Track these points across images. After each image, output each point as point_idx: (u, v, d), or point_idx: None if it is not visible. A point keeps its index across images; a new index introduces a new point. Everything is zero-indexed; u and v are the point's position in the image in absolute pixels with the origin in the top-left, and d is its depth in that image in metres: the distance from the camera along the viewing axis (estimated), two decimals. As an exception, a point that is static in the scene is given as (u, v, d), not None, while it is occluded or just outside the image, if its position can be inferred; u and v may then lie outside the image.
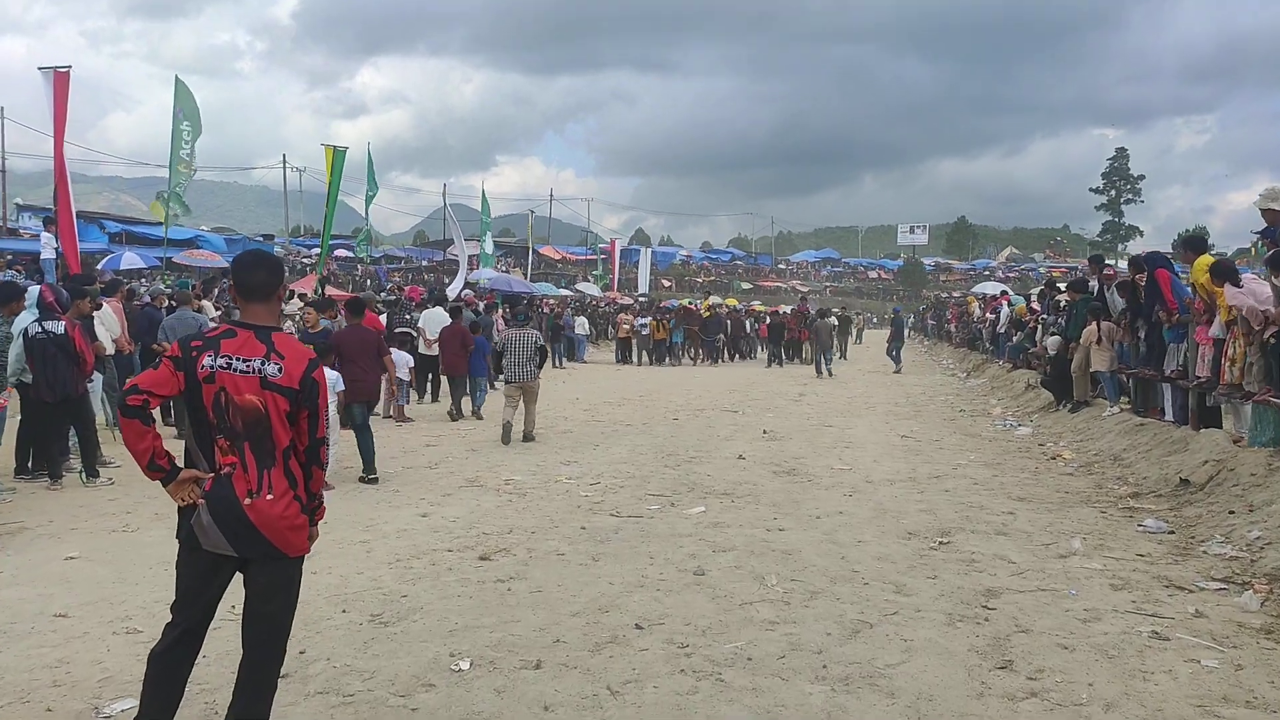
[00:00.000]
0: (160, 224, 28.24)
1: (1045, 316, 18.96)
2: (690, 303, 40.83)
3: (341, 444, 10.35)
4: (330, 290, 26.02)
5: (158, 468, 3.65)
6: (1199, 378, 10.39)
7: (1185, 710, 4.36)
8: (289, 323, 15.65)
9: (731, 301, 49.71)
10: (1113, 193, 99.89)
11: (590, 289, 50.50)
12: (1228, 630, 5.39)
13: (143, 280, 26.67)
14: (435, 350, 16.63)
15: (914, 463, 11.43)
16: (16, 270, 19.87)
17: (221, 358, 3.65)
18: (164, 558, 6.06)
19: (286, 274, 4.69)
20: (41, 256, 18.92)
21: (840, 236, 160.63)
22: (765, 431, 14.20)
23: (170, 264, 28.74)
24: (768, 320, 35.71)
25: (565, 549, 7.14)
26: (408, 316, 18.89)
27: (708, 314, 33.56)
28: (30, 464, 9.40)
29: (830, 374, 26.55)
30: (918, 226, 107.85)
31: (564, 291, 46.16)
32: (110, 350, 11.39)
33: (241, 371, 3.64)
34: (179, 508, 3.70)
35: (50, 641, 5.07)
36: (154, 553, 6.66)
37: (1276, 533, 6.87)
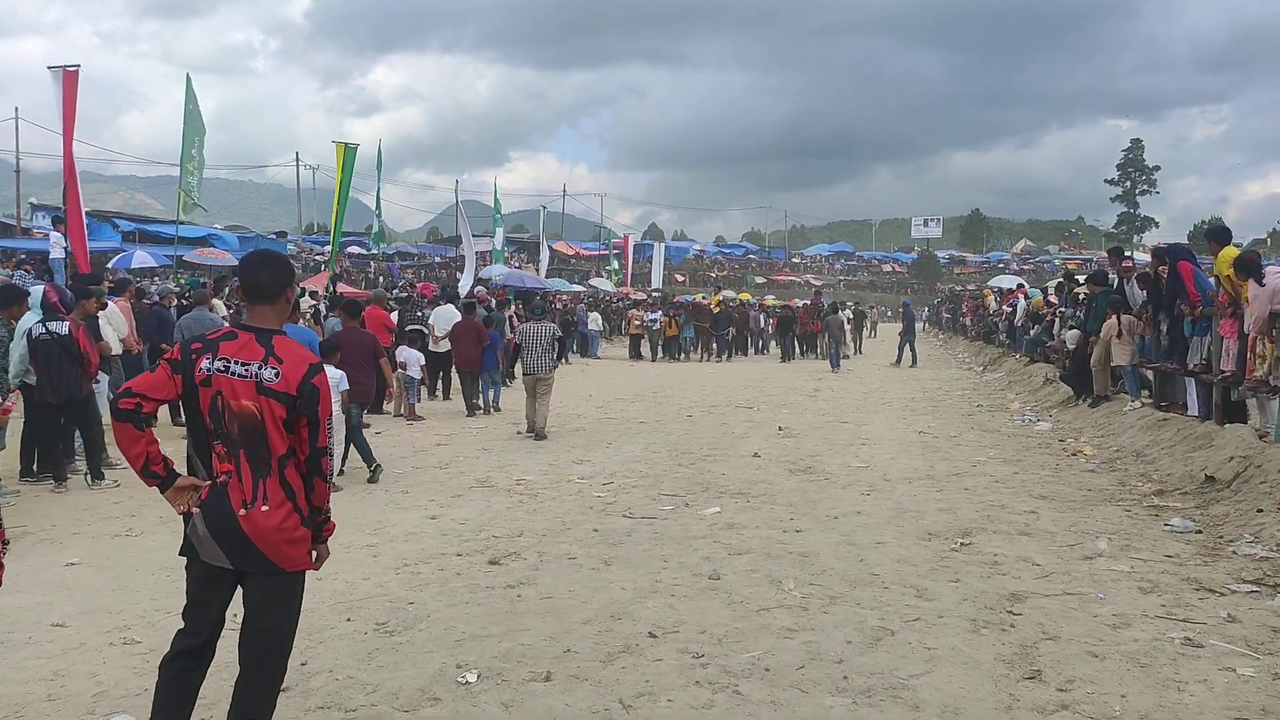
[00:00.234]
0: (173, 222, 28.20)
1: (1063, 309, 18.71)
2: (702, 297, 40.65)
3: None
4: (342, 288, 25.93)
5: (152, 474, 3.50)
6: (1224, 372, 10.16)
7: (1224, 723, 4.17)
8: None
9: (745, 296, 49.50)
10: (1128, 184, 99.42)
11: (604, 284, 50.33)
12: (1262, 636, 5.19)
13: (155, 279, 26.65)
14: (443, 348, 16.53)
15: (932, 460, 11.24)
16: (26, 270, 19.84)
17: (219, 360, 3.49)
18: (166, 563, 5.95)
19: (296, 274, 4.49)
20: (50, 256, 18.86)
21: (854, 230, 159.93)
22: (780, 428, 14.02)
23: (181, 262, 28.69)
24: (779, 314, 35.49)
25: (577, 552, 6.97)
26: (420, 314, 18.75)
27: (717, 309, 33.33)
28: (35, 466, 9.28)
29: (837, 368, 26.36)
30: (931, 219, 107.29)
31: (577, 287, 46.00)
32: (117, 350, 11.29)
33: (239, 376, 3.48)
34: (183, 515, 3.56)
35: (47, 653, 4.93)
36: (156, 558, 6.53)
37: (1310, 533, 6.67)
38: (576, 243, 75.32)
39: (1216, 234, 11.03)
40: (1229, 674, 4.68)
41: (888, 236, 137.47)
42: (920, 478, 10.05)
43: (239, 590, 3.58)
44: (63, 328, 8.89)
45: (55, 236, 18.47)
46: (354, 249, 48.76)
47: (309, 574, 3.68)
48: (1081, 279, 18.36)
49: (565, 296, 37.75)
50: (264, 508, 3.46)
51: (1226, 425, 9.91)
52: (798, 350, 33.05)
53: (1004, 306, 28.91)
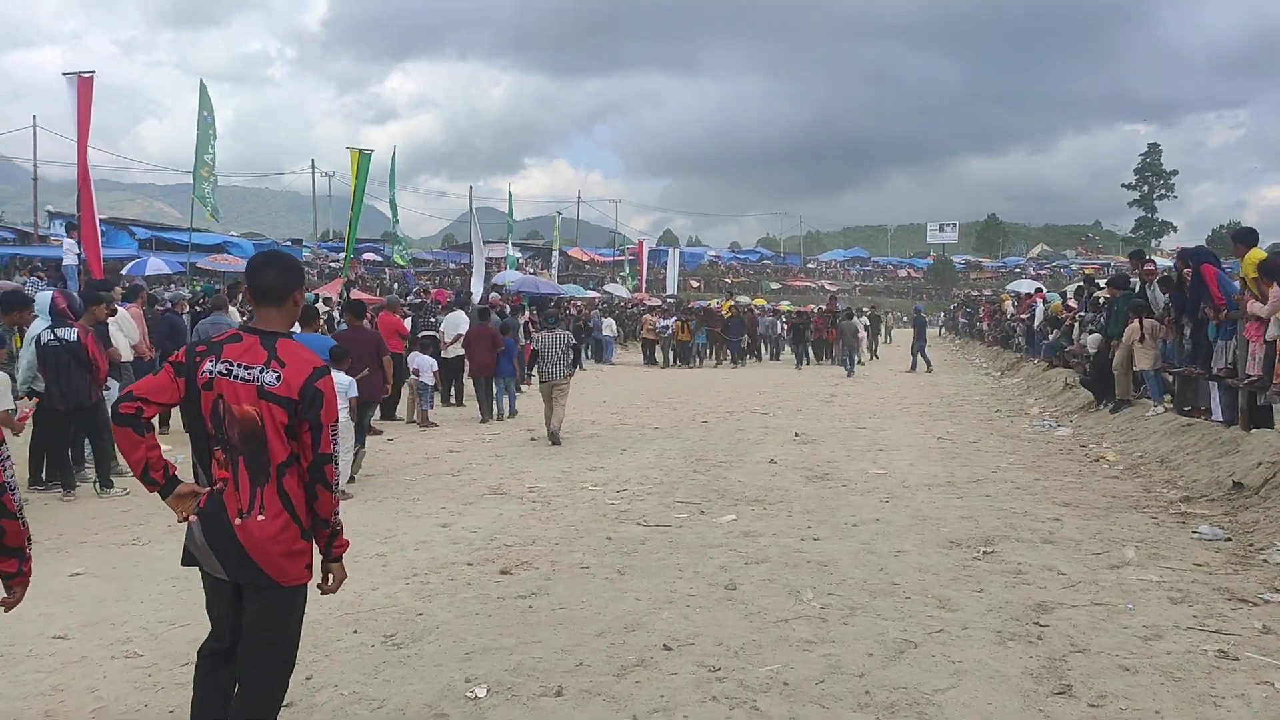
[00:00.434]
0: (189, 230, 28.22)
1: (1083, 314, 18.49)
2: (715, 302, 40.45)
3: (365, 453, 10.12)
4: (356, 294, 25.88)
5: (151, 480, 3.39)
6: (1250, 376, 9.96)
7: (1264, 742, 4.00)
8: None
9: (759, 301, 49.29)
10: (1145, 188, 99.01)
11: (618, 290, 50.21)
12: (1299, 648, 5.01)
13: (172, 286, 26.66)
14: (453, 353, 16.45)
15: (951, 466, 11.05)
16: (39, 276, 19.82)
17: (222, 363, 3.37)
18: (173, 573, 5.83)
19: (305, 275, 4.37)
20: (64, 263, 18.84)
21: (869, 235, 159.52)
22: (797, 434, 13.84)
23: (196, 269, 28.70)
24: (793, 319, 35.28)
25: (590, 561, 6.82)
26: (433, 319, 18.66)
27: (729, 314, 33.12)
28: (44, 474, 9.19)
29: (851, 373, 26.20)
30: (947, 224, 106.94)
31: (591, 293, 45.89)
32: (128, 357, 11.21)
33: (241, 379, 3.35)
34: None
35: (47, 666, 4.81)
36: (163, 568, 6.41)
37: (1345, 541, 6.47)
38: (591, 249, 75.21)
39: (1243, 236, 10.81)
40: (1267, 688, 4.49)
41: (903, 242, 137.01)
42: (940, 484, 9.87)
43: None
44: (71, 334, 8.81)
45: (68, 243, 18.45)
46: (369, 255, 48.77)
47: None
48: (1102, 283, 18.13)
49: (580, 302, 37.62)
50: (260, 517, 3.32)
51: (1253, 430, 9.71)
52: (812, 356, 32.84)
53: (1021, 312, 28.66)
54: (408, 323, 17.18)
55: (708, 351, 32.12)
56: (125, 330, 11.29)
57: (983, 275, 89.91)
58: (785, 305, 49.63)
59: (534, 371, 15.98)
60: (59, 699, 4.42)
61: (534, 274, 45.09)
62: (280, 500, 3.35)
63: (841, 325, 28.28)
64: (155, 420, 11.79)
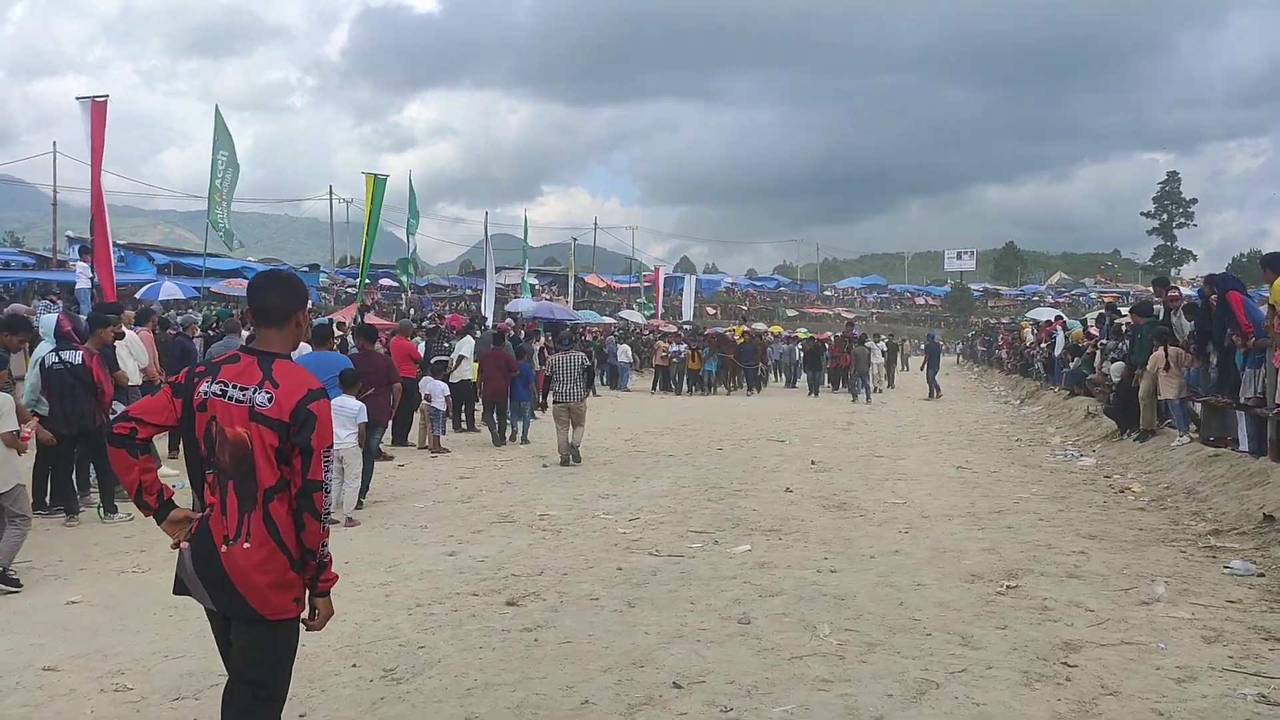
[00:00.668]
0: (204, 255, 28.28)
1: (1105, 341, 18.22)
2: (728, 330, 40.20)
3: (374, 477, 9.96)
4: (370, 319, 25.81)
5: (145, 504, 3.26)
6: (1279, 406, 9.69)
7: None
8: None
9: (776, 329, 49.04)
10: (1164, 217, 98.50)
11: (634, 316, 50.10)
12: (1343, 693, 4.75)
13: (189, 310, 26.67)
14: (457, 377, 16.29)
15: (972, 496, 10.80)
16: (52, 299, 19.80)
17: (217, 384, 3.24)
18: (171, 602, 5.64)
19: (309, 296, 4.23)
20: (77, 286, 18.82)
21: (886, 263, 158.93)
22: (813, 462, 13.61)
23: (211, 294, 28.72)
24: (808, 345, 34.97)
25: (599, 593, 6.62)
26: (446, 344, 18.54)
27: (743, 340, 32.83)
28: (47, 499, 9.05)
29: (868, 401, 25.96)
30: (965, 252, 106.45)
31: (607, 319, 45.76)
32: (136, 380, 11.07)
33: (235, 400, 3.20)
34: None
35: (33, 699, 4.64)
36: (161, 597, 6.17)
37: (1385, 578, 6.21)
38: (608, 275, 75.23)
39: (1272, 261, 10.52)
40: (1310, 736, 4.26)
41: (920, 270, 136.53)
42: (960, 515, 9.62)
43: None
44: (75, 356, 8.69)
45: (81, 267, 18.44)
46: (386, 281, 48.87)
47: None
48: (1125, 310, 17.87)
49: (595, 329, 37.50)
50: (245, 545, 3.16)
51: (1284, 461, 9.44)
52: (828, 383, 32.52)
53: (1041, 340, 28.36)
54: (421, 347, 17.05)
55: (723, 378, 31.80)
56: (134, 353, 11.16)
57: (1001, 303, 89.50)
58: (802, 333, 49.34)
59: (549, 397, 15.93)
60: (42, 735, 4.25)
61: (549, 300, 45.06)
62: (266, 528, 3.18)
63: (855, 351, 28.01)
64: (165, 443, 11.70)
